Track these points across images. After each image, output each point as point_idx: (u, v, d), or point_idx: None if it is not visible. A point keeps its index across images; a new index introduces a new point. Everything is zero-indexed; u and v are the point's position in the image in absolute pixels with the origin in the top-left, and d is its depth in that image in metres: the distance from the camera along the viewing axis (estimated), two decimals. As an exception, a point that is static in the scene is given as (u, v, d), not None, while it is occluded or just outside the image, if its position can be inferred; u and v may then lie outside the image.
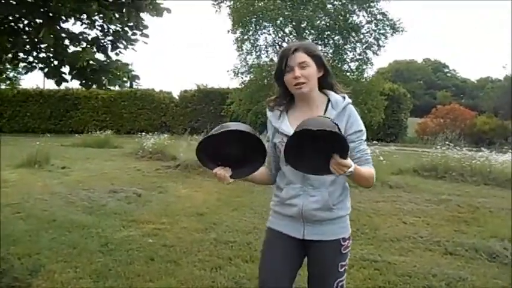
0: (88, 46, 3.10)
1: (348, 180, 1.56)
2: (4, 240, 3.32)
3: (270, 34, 15.23)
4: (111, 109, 18.92)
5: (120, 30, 3.15)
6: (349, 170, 1.28)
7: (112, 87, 3.19)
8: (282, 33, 15.07)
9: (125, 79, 3.13)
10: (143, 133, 10.88)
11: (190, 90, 19.83)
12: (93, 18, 3.05)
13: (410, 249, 3.50)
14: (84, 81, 3.06)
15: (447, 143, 7.81)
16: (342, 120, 1.46)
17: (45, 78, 3.04)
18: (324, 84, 1.54)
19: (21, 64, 3.32)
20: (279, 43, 14.94)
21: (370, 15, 14.30)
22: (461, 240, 3.69)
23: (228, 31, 15.12)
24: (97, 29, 3.14)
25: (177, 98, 19.98)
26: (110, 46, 3.16)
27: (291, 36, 14.67)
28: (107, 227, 3.89)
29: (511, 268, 3.11)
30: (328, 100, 1.51)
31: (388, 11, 14.23)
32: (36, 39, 2.85)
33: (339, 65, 14.60)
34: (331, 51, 14.88)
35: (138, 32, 3.17)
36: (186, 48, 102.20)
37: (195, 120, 18.96)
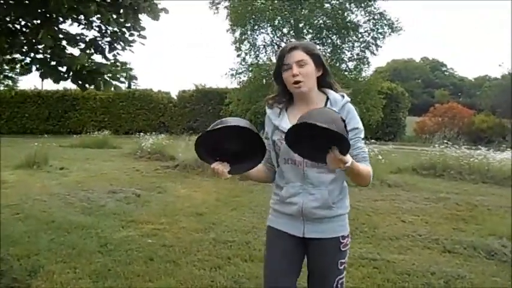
0: (86, 47, 3.10)
1: (346, 179, 1.57)
2: (3, 241, 3.31)
3: (268, 34, 15.24)
4: (109, 110, 18.90)
5: (118, 31, 3.15)
6: (346, 165, 1.29)
7: (108, 89, 3.18)
8: (280, 33, 15.07)
9: (122, 80, 3.12)
10: (141, 133, 10.87)
11: (189, 90, 19.82)
12: (90, 19, 3.05)
13: (409, 247, 3.52)
14: (80, 83, 3.06)
15: (445, 141, 7.83)
16: None
17: (42, 81, 3.03)
18: (323, 83, 1.54)
19: (19, 65, 3.32)
20: (277, 43, 14.94)
21: (368, 14, 14.32)
22: (460, 238, 3.71)
23: (227, 30, 15.12)
24: (95, 30, 3.14)
25: (175, 98, 19.97)
26: (107, 47, 3.16)
27: (289, 36, 14.67)
28: (106, 228, 3.89)
29: (509, 266, 3.12)
30: (327, 98, 1.52)
31: (387, 10, 14.20)
32: (33, 40, 2.85)
33: (337, 65, 14.60)
34: (329, 50, 14.89)
35: (136, 33, 3.17)
36: (185, 48, 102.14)
37: (193, 120, 18.96)
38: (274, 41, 15.11)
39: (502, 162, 7.12)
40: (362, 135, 1.51)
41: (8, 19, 2.87)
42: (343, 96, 1.52)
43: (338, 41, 14.76)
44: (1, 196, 4.88)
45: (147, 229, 3.90)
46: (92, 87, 3.14)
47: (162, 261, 3.09)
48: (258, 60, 15.02)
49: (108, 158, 9.35)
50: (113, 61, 3.16)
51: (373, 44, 14.50)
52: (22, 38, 2.94)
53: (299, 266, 1.60)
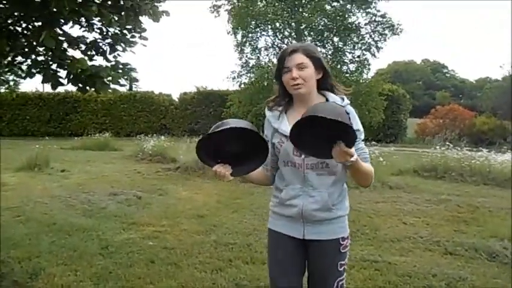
0: (86, 49, 3.11)
1: (347, 180, 1.57)
2: (4, 244, 3.32)
3: (269, 36, 15.27)
4: (110, 112, 18.93)
5: (119, 33, 3.16)
6: (352, 158, 1.29)
7: (109, 91, 3.18)
8: (281, 35, 15.10)
9: (122, 83, 3.12)
10: (143, 135, 10.88)
11: (190, 93, 19.84)
12: (91, 21, 3.05)
13: (411, 249, 3.51)
14: (80, 86, 3.06)
15: (447, 143, 7.82)
16: None
17: (43, 83, 3.03)
18: (323, 86, 1.55)
19: (19, 68, 3.32)
20: (279, 45, 14.96)
21: (369, 16, 14.33)
22: (461, 240, 3.70)
23: (228, 32, 15.15)
24: (96, 32, 3.15)
25: (176, 100, 20.00)
26: (108, 49, 3.17)
27: (291, 38, 14.69)
28: (107, 230, 3.89)
29: (510, 267, 3.11)
30: (327, 101, 1.52)
31: (387, 11, 14.23)
32: (34, 43, 2.85)
33: (338, 67, 14.61)
34: (330, 52, 14.91)
35: (137, 35, 3.18)
36: (186, 49, 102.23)
37: (194, 122, 18.97)
38: (276, 43, 15.13)
39: (503, 164, 7.11)
40: (362, 137, 1.52)
41: (9, 21, 2.88)
42: (342, 99, 1.53)
43: (339, 43, 14.77)
44: (2, 198, 4.89)
45: (148, 231, 3.90)
46: (91, 91, 3.15)
47: (163, 263, 3.08)
48: (260, 63, 15.04)
49: (109, 160, 9.37)
50: (113, 63, 3.16)
51: (374, 46, 14.51)
52: (23, 40, 2.95)
53: (302, 267, 1.60)
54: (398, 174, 7.44)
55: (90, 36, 3.17)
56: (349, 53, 14.96)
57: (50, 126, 18.69)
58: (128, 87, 21.56)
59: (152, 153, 9.31)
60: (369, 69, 14.98)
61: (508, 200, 5.50)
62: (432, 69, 60.12)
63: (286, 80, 1.49)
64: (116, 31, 3.16)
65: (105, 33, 3.16)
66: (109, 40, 3.18)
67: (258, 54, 15.24)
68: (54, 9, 2.58)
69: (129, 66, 3.15)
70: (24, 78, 3.03)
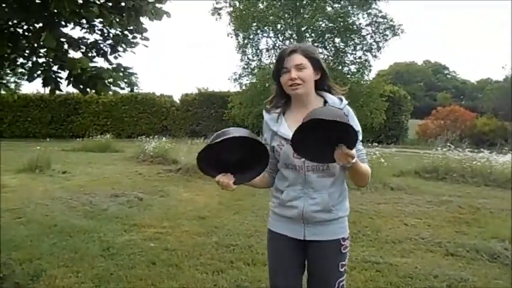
0: (87, 50, 3.11)
1: (347, 181, 1.57)
2: (5, 246, 3.32)
3: (270, 38, 15.29)
4: (112, 113, 18.95)
5: (120, 34, 3.17)
6: (352, 160, 1.30)
7: (108, 93, 3.19)
8: (282, 36, 15.12)
9: (122, 86, 3.13)
10: (144, 137, 10.89)
11: (191, 94, 19.86)
12: (92, 22, 3.06)
13: (412, 250, 3.50)
14: (81, 87, 3.07)
15: (448, 144, 7.82)
16: None
17: (44, 86, 3.04)
18: (321, 87, 1.55)
19: (20, 70, 3.33)
20: (280, 46, 14.98)
21: (369, 17, 14.35)
22: (463, 241, 3.69)
23: (228, 34, 15.17)
24: (97, 33, 3.16)
25: (178, 101, 20.02)
26: (109, 50, 3.18)
27: (292, 39, 14.71)
28: (109, 232, 3.89)
29: (511, 268, 3.11)
30: (325, 102, 1.52)
31: (388, 11, 14.24)
32: (36, 44, 2.86)
33: (339, 68, 14.62)
34: (331, 53, 14.92)
35: (138, 36, 3.19)
36: (187, 49, 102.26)
37: (196, 123, 18.99)
38: (277, 45, 15.15)
39: (505, 165, 7.10)
40: (360, 137, 1.52)
41: (10, 23, 2.89)
42: (341, 100, 1.52)
43: (341, 44, 14.79)
44: (3, 200, 4.89)
45: (149, 233, 3.90)
46: (92, 92, 3.16)
47: (164, 265, 3.09)
48: (261, 64, 15.07)
49: (110, 162, 9.38)
50: (115, 65, 3.17)
51: (375, 47, 14.51)
52: (24, 42, 2.96)
53: (302, 268, 1.61)
54: (399, 175, 7.44)
55: (91, 38, 3.18)
56: (350, 54, 14.97)
57: (51, 127, 18.70)
58: (128, 89, 21.61)
59: (153, 154, 9.32)
60: (370, 70, 14.99)
61: (509, 201, 5.49)
62: (433, 70, 60.13)
63: (284, 81, 1.49)
64: (117, 32, 3.17)
65: (106, 34, 3.17)
66: (110, 41, 3.19)
67: (260, 56, 15.27)
68: (55, 11, 2.58)
69: (130, 71, 3.16)
70: (27, 79, 3.03)
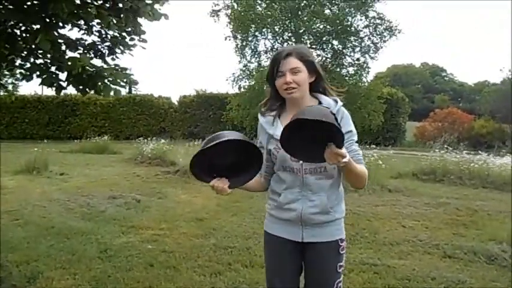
0: (85, 52, 3.11)
1: (344, 183, 1.57)
2: (2, 247, 3.30)
3: (269, 39, 15.31)
4: (109, 115, 18.93)
5: (118, 35, 3.17)
6: (344, 160, 1.27)
7: (108, 94, 3.18)
8: (281, 38, 15.14)
9: (122, 84, 3.13)
10: (142, 139, 10.88)
11: (189, 96, 19.87)
12: (90, 24, 3.06)
13: (410, 252, 3.51)
14: (81, 88, 3.07)
15: (445, 146, 7.84)
16: None
17: (42, 86, 3.04)
18: (316, 89, 1.54)
19: (18, 71, 3.33)
20: (278, 48, 14.99)
21: (367, 19, 14.38)
22: (460, 243, 3.70)
23: (226, 38, 15.17)
24: (94, 35, 3.16)
25: (176, 103, 20.02)
26: (107, 51, 3.18)
27: (290, 42, 14.73)
28: (106, 233, 3.88)
29: (509, 271, 3.11)
30: (320, 103, 1.52)
31: (386, 13, 14.25)
32: (33, 46, 2.86)
33: (338, 70, 14.65)
34: (329, 56, 14.95)
35: (136, 37, 3.19)
36: (186, 51, 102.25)
37: (194, 125, 18.99)
38: (276, 47, 15.17)
39: (502, 167, 7.12)
40: (355, 138, 1.52)
41: (7, 24, 2.89)
42: (336, 101, 1.52)
43: (339, 46, 14.81)
44: (0, 202, 4.87)
45: (147, 235, 3.89)
46: (92, 92, 3.15)
47: (162, 267, 3.08)
48: (260, 66, 15.07)
49: (108, 164, 9.36)
50: (113, 66, 3.17)
51: (373, 48, 14.54)
52: (21, 43, 2.95)
53: (299, 270, 1.61)
54: (397, 177, 7.45)
55: (89, 39, 3.18)
56: (348, 56, 15.01)
57: (49, 129, 18.66)
58: (127, 89, 21.59)
59: (151, 156, 9.31)
60: (368, 72, 15.01)
61: (507, 203, 5.51)
62: (431, 72, 60.37)
63: (279, 84, 1.48)
64: (115, 34, 3.17)
65: (104, 36, 3.17)
66: (108, 43, 3.19)
67: (258, 58, 15.29)
68: (52, 12, 2.58)
69: (127, 71, 3.16)
70: (22, 80, 3.03)
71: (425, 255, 3.46)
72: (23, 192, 5.76)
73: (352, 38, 14.52)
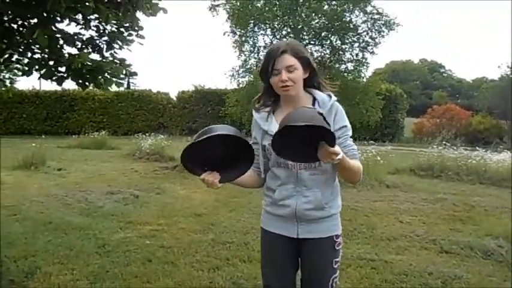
0: (83, 47, 3.09)
1: (338, 178, 1.57)
2: (0, 243, 3.30)
3: (267, 35, 15.25)
4: (108, 110, 18.86)
5: (116, 30, 3.15)
6: (338, 157, 1.28)
7: (109, 87, 3.17)
8: (280, 34, 15.08)
9: (122, 76, 3.11)
10: (140, 134, 10.85)
11: (188, 91, 19.81)
12: (88, 18, 3.04)
13: (407, 248, 3.52)
14: (80, 82, 3.05)
15: (443, 142, 7.86)
16: (330, 118, 1.47)
17: (41, 80, 3.03)
18: (310, 84, 1.54)
19: (16, 66, 3.31)
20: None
21: (365, 14, 14.33)
22: (457, 238, 3.72)
23: (224, 33, 15.12)
24: (92, 30, 3.13)
25: (174, 99, 19.96)
26: (105, 46, 3.16)
27: (289, 37, 14.68)
28: (104, 229, 3.88)
29: (505, 266, 3.13)
30: (314, 99, 1.52)
31: (385, 9, 14.19)
32: (30, 40, 2.84)
33: (336, 66, 14.62)
34: (328, 52, 14.91)
35: (134, 33, 3.17)
36: (186, 49, 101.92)
37: (192, 121, 18.95)
38: (274, 43, 15.12)
39: (499, 163, 7.16)
40: (350, 133, 1.51)
41: (4, 18, 2.87)
42: (330, 96, 1.52)
43: (338, 42, 14.77)
44: (0, 197, 4.87)
45: (145, 230, 3.89)
46: (92, 86, 3.14)
47: (160, 262, 3.08)
48: (259, 61, 15.02)
49: (106, 159, 9.34)
50: (111, 59, 3.15)
51: (372, 44, 14.50)
52: (18, 37, 2.93)
53: (296, 266, 1.61)
54: (395, 173, 7.48)
55: (87, 34, 3.16)
56: (347, 51, 14.96)
57: (47, 124, 18.59)
58: (125, 85, 21.50)
59: (150, 152, 9.30)
60: (367, 68, 14.97)
61: (504, 199, 5.55)
62: (429, 69, 60.36)
63: (275, 82, 1.47)
64: (113, 29, 3.15)
65: (101, 30, 3.15)
66: (105, 38, 3.17)
67: (257, 54, 15.23)
68: (51, 5, 2.56)
69: (126, 62, 3.15)
70: (23, 75, 3.01)
71: (422, 250, 3.48)
72: (20, 188, 5.75)
73: (350, 34, 14.48)
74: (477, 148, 8.12)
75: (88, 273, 2.85)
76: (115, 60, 3.12)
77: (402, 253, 3.39)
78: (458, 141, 8.01)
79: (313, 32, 14.65)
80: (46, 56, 2.97)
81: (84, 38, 3.16)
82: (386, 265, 3.08)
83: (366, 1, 14.11)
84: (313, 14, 13.88)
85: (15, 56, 3.15)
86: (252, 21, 14.44)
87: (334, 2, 14.38)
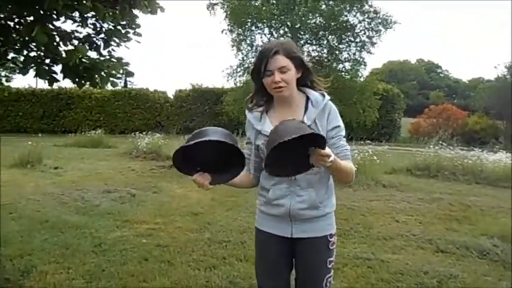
0: (80, 44, 3.08)
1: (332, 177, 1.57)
2: (-4, 241, 3.29)
3: (265, 34, 15.26)
4: (104, 109, 18.80)
5: (113, 28, 3.13)
6: (330, 159, 1.28)
7: (105, 86, 3.16)
8: (277, 33, 15.08)
9: (118, 76, 3.10)
10: (137, 133, 10.83)
11: (185, 90, 19.77)
12: (85, 15, 3.03)
13: (403, 247, 3.54)
14: (77, 80, 3.04)
15: (440, 142, 7.89)
16: (323, 118, 1.47)
17: (37, 79, 3.01)
18: (304, 83, 1.53)
19: (11, 65, 3.29)
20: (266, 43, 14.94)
21: (362, 13, 14.35)
22: (453, 238, 3.74)
23: (222, 31, 15.11)
24: (89, 27, 3.12)
25: (171, 97, 19.92)
26: (102, 44, 3.15)
27: (286, 36, 14.69)
28: (101, 228, 3.87)
29: (501, 265, 3.15)
30: (307, 98, 1.51)
31: (382, 8, 14.20)
32: (27, 38, 2.82)
33: (334, 65, 14.63)
34: (325, 51, 14.92)
35: (131, 31, 3.16)
36: (185, 48, 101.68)
37: (189, 120, 18.92)
38: (272, 42, 15.12)
39: (495, 163, 7.20)
40: (343, 133, 1.50)
41: (1, 16, 2.85)
42: (323, 95, 1.51)
43: (335, 41, 14.78)
44: (0, 195, 4.84)
45: (141, 229, 3.89)
46: (88, 84, 3.12)
47: (156, 261, 3.08)
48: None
49: (103, 158, 9.31)
50: (108, 57, 3.14)
51: (368, 42, 14.53)
52: (15, 35, 2.91)
53: (290, 266, 1.61)
54: (391, 172, 7.50)
55: (84, 31, 3.14)
56: (344, 51, 14.98)
57: (43, 122, 18.51)
58: (122, 83, 21.43)
59: (147, 150, 9.28)
60: (365, 67, 15.00)
61: (500, 198, 5.59)
62: (426, 69, 60.61)
63: (268, 83, 1.46)
64: (110, 26, 3.13)
65: (98, 28, 3.14)
66: (102, 35, 3.16)
67: (254, 52, 15.22)
68: (49, 3, 2.55)
69: (123, 61, 3.14)
70: (19, 73, 2.99)
71: (418, 249, 3.49)
72: (17, 186, 5.72)
73: (348, 33, 14.50)
74: (473, 148, 8.17)
75: (84, 272, 2.84)
76: (112, 59, 3.10)
77: (398, 252, 3.40)
78: (454, 141, 8.05)
79: (310, 32, 14.68)
80: (42, 53, 2.95)
81: (81, 35, 3.14)
82: (382, 264, 3.09)
83: (362, 0, 14.13)
84: (310, 14, 13.90)
85: (11, 54, 3.13)
86: (250, 20, 14.44)
87: (331, 2, 14.42)
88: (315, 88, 1.54)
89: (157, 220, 4.20)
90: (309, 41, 15.06)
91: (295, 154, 1.32)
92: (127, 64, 3.16)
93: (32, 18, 2.78)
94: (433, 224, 4.29)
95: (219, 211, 4.63)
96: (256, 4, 14.51)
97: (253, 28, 14.96)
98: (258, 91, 1.54)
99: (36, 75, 2.92)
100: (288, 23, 14.56)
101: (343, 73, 14.62)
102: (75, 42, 3.07)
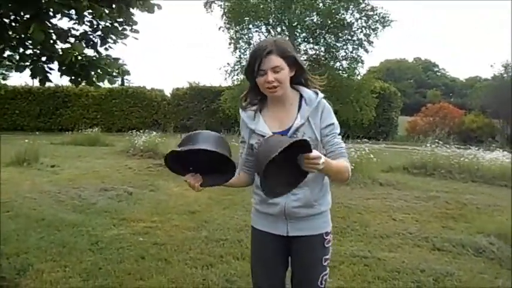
0: (77, 42, 3.06)
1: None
2: (-8, 239, 3.28)
3: (262, 32, 15.25)
4: (102, 107, 18.72)
5: (110, 25, 3.12)
6: (322, 160, 1.26)
7: (102, 84, 3.15)
8: (274, 31, 15.08)
9: (115, 74, 3.09)
10: (134, 131, 10.80)
11: (182, 88, 19.72)
12: (82, 13, 3.01)
13: (400, 245, 3.55)
14: (73, 78, 3.02)
15: (437, 140, 7.92)
16: (317, 116, 1.46)
17: (32, 78, 2.98)
18: (297, 81, 1.52)
19: (8, 63, 3.27)
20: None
21: (359, 11, 14.37)
22: (449, 236, 3.76)
23: (220, 28, 15.08)
24: (86, 25, 3.10)
25: (169, 95, 19.86)
26: (99, 41, 3.13)
27: (283, 35, 14.69)
28: (97, 226, 3.86)
29: (496, 263, 3.17)
30: (301, 96, 1.50)
31: (379, 6, 14.23)
32: (23, 35, 2.81)
33: (331, 63, 14.66)
34: (322, 49, 14.94)
35: (128, 28, 3.15)
36: (183, 47, 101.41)
37: (187, 118, 18.88)
38: (269, 40, 15.10)
39: (492, 162, 7.23)
40: (338, 131, 1.49)
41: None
42: (316, 93, 1.50)
43: (332, 39, 14.80)
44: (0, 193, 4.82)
45: (138, 227, 3.88)
46: (84, 83, 3.11)
47: (153, 259, 3.08)
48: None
49: (100, 156, 9.28)
50: (105, 56, 3.13)
51: (365, 41, 14.55)
52: (11, 32, 2.89)
53: (286, 264, 1.61)
54: (388, 171, 7.52)
55: (80, 29, 3.13)
56: (342, 49, 15.00)
57: (40, 120, 18.42)
58: (119, 81, 21.33)
59: (144, 148, 9.26)
60: (362, 65, 15.02)
61: (495, 197, 5.62)
62: (424, 67, 60.75)
63: (261, 83, 1.45)
64: (107, 24, 3.12)
65: (95, 25, 3.12)
66: (99, 33, 3.14)
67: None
68: (44, 1, 2.53)
69: (120, 61, 3.12)
70: (16, 71, 2.97)
71: (414, 247, 3.51)
72: (13, 184, 5.69)
73: (345, 32, 14.51)
74: (470, 146, 8.20)
75: (81, 270, 2.84)
76: (109, 58, 3.09)
77: (395, 250, 3.42)
78: (451, 140, 8.09)
79: (307, 30, 14.68)
80: (38, 51, 2.93)
81: (78, 33, 3.12)
82: (379, 262, 3.11)
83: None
84: (307, 12, 13.90)
85: (8, 52, 3.11)
86: (247, 18, 14.43)
87: (328, 0, 14.41)
88: (309, 86, 1.53)
89: (154, 218, 4.19)
90: (306, 39, 15.07)
91: (287, 167, 1.31)
92: (124, 65, 3.15)
93: (28, 15, 2.77)
94: (430, 222, 4.31)
95: (216, 209, 4.63)
96: (253, 2, 14.49)
97: (250, 26, 14.95)
98: (252, 90, 1.53)
99: (31, 75, 2.90)
100: (285, 21, 14.56)
101: (340, 71, 14.64)
102: (72, 39, 3.06)
